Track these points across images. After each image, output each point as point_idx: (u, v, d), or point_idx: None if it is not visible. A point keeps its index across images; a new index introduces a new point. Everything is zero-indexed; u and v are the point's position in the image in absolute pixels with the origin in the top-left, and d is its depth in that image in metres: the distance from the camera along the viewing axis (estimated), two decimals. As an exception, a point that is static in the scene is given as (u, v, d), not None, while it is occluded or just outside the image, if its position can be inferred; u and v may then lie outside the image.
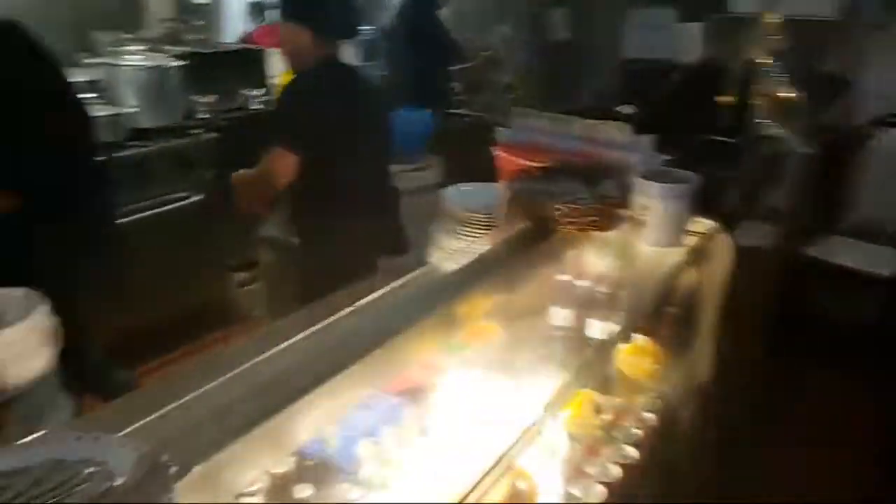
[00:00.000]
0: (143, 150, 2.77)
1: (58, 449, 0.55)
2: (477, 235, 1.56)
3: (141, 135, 2.81)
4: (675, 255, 1.27)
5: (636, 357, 1.29)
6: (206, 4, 3.81)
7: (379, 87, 2.37)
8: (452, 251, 1.59)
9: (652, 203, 1.17)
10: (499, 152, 1.40)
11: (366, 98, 2.17)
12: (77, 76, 2.95)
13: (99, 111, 2.73)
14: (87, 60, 3.24)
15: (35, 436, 0.60)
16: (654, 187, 1.16)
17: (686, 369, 1.41)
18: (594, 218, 1.22)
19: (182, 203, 2.84)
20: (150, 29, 3.60)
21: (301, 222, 2.11)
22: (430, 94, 4.00)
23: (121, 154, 2.70)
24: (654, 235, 1.21)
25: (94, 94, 2.84)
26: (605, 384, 1.32)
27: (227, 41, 3.87)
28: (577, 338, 1.32)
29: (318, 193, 2.00)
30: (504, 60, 4.05)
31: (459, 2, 4.09)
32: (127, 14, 3.59)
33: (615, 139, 1.29)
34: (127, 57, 3.01)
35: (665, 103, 2.02)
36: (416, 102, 3.67)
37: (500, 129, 1.41)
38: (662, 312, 1.33)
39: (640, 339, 1.30)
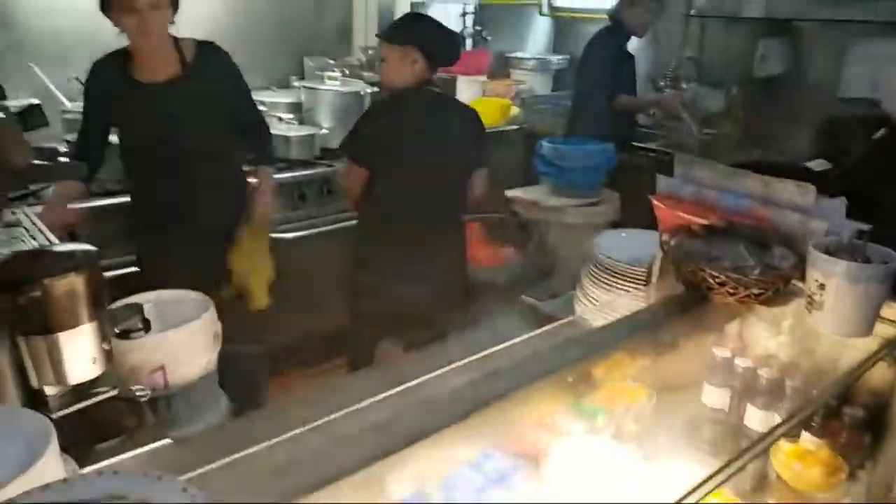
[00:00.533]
0: (329, 168, 2.95)
1: (115, 485, 0.55)
2: (627, 289, 1.45)
3: (329, 154, 2.99)
4: (863, 346, 1.07)
5: (801, 462, 1.10)
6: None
7: (471, 119, 2.38)
8: (599, 304, 1.49)
9: (837, 282, 0.98)
10: (657, 202, 1.27)
11: (443, 126, 2.24)
12: (284, 98, 3.25)
13: (296, 131, 2.96)
14: (295, 84, 3.55)
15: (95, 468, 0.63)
16: (841, 265, 0.98)
17: (866, 487, 1.18)
18: (759, 291, 1.06)
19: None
20: (353, 56, 3.85)
21: (360, 240, 2.36)
22: (616, 126, 3.86)
23: (311, 171, 2.90)
24: (836, 320, 1.02)
25: (293, 115, 3.09)
26: (756, 487, 1.14)
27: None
28: (730, 424, 1.17)
29: (379, 213, 2.24)
30: (701, 94, 3.78)
31: (655, 31, 3.90)
32: (340, 43, 3.88)
33: (796, 201, 1.11)
34: (328, 81, 3.23)
35: (868, 161, 1.73)
36: (601, 134, 3.56)
37: (662, 177, 1.28)
38: (841, 413, 1.12)
39: (808, 440, 1.11)
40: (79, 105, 2.70)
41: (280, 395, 2.42)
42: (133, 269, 2.33)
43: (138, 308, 1.08)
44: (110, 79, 2.05)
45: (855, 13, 3.05)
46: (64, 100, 2.69)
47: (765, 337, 1.22)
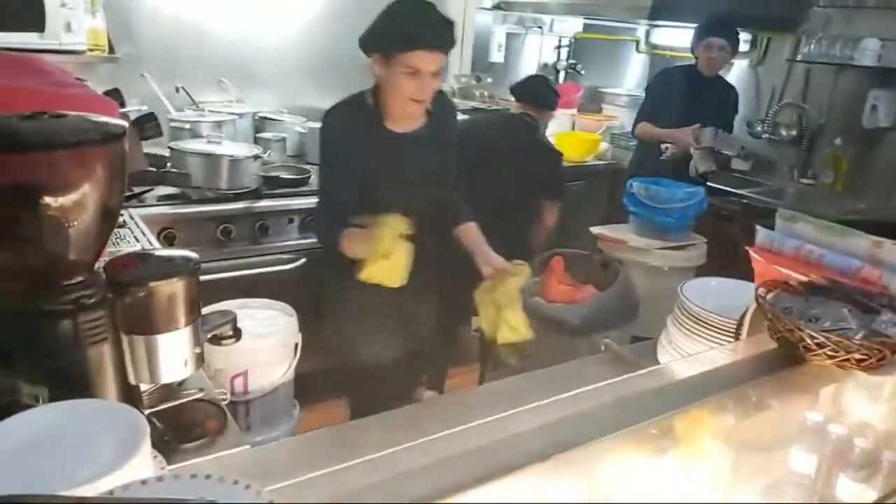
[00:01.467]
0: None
1: (181, 487, 0.57)
2: (715, 341, 1.39)
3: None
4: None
5: (894, 540, 1.02)
6: (500, 63, 4.04)
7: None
8: (686, 354, 1.44)
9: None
10: (756, 255, 1.23)
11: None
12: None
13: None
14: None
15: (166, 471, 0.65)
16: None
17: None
18: (862, 357, 1.00)
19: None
20: (447, 83, 3.92)
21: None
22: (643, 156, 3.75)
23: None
24: (945, 394, 0.95)
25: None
26: (842, 562, 1.07)
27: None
28: (820, 494, 1.10)
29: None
30: (802, 139, 3.64)
31: (757, 74, 3.80)
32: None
33: (907, 265, 1.05)
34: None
35: None
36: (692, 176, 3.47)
37: (762, 228, 1.24)
38: (945, 493, 1.04)
39: (905, 517, 1.03)
40: (184, 115, 2.87)
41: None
42: (223, 274, 2.43)
43: (231, 316, 1.12)
44: (358, 127, 1.92)
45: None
46: (171, 108, 2.86)
47: (863, 404, 1.14)
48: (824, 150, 3.58)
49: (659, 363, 1.54)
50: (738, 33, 3.28)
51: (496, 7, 3.99)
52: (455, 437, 0.90)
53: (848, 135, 3.47)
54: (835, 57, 3.31)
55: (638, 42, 4.35)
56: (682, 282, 1.62)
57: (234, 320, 1.12)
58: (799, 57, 3.53)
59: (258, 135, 3.06)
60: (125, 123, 0.88)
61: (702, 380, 1.07)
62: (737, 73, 3.83)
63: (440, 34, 1.78)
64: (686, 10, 3.20)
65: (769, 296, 1.15)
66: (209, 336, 1.08)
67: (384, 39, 1.80)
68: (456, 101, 3.67)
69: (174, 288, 0.95)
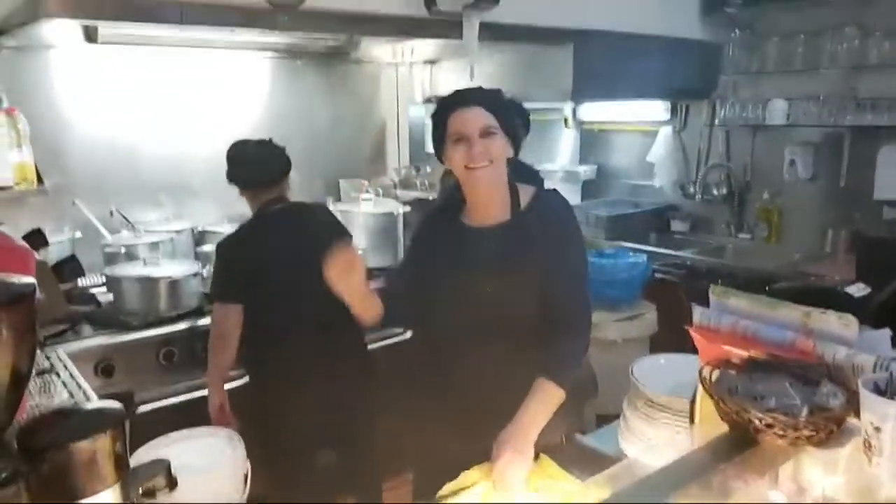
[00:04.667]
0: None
1: None
2: (670, 424, 1.38)
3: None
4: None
5: None
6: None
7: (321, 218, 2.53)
8: (647, 440, 1.42)
9: (894, 426, 0.92)
10: (695, 334, 1.23)
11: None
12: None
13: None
14: (332, 206, 3.66)
15: None
16: (893, 406, 0.92)
17: None
18: (810, 433, 1.00)
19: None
20: (387, 176, 3.98)
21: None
22: (650, 233, 3.86)
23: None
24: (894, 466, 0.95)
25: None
26: None
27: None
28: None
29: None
30: (733, 196, 3.78)
31: (681, 140, 3.96)
32: (374, 164, 4.02)
33: (839, 333, 1.07)
34: (363, 203, 3.32)
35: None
36: (635, 243, 3.55)
37: (697, 307, 1.25)
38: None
39: None
40: (120, 238, 2.82)
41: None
42: (168, 401, 2.34)
43: (164, 465, 1.05)
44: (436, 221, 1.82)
45: (881, 119, 3.06)
46: (105, 233, 2.80)
47: (822, 478, 1.13)
48: (755, 205, 3.71)
49: (622, 451, 1.52)
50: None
51: (427, 101, 4.11)
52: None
53: (774, 188, 3.62)
54: (748, 119, 3.50)
55: (566, 119, 4.51)
56: (638, 356, 1.62)
57: (168, 468, 1.05)
58: (716, 122, 3.72)
59: (199, 248, 3.02)
60: (33, 281, 0.84)
61: (663, 476, 1.05)
62: (663, 139, 3.98)
63: (472, 93, 1.66)
64: (605, 88, 3.34)
65: (713, 375, 1.14)
66: (141, 492, 1.01)
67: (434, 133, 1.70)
68: (399, 192, 3.72)
69: (97, 446, 0.89)
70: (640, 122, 4.16)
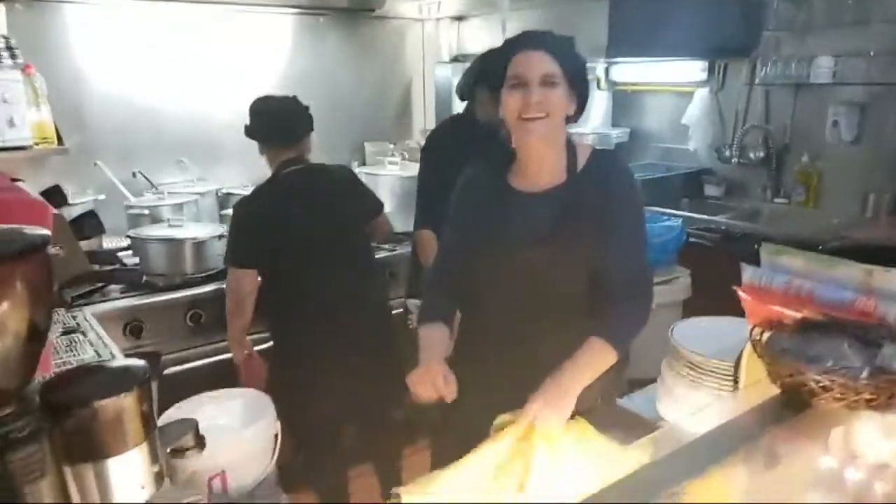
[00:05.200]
0: (393, 253, 2.93)
1: None
2: (714, 387, 1.32)
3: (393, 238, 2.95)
4: None
5: None
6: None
7: (343, 178, 2.45)
8: (686, 403, 1.37)
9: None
10: (744, 294, 1.17)
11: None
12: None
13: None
14: (357, 169, 3.61)
15: None
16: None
17: None
18: (869, 396, 0.93)
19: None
20: (413, 139, 3.90)
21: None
22: (683, 198, 3.75)
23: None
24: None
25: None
26: None
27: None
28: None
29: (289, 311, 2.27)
30: (771, 160, 3.64)
31: (717, 101, 3.82)
32: (399, 126, 3.95)
33: (905, 292, 0.99)
34: (389, 166, 3.26)
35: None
36: (670, 207, 3.45)
37: (747, 266, 1.18)
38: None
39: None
40: (143, 200, 2.80)
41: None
42: (197, 363, 2.33)
43: (192, 424, 1.02)
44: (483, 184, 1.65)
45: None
46: (129, 195, 2.79)
47: (877, 444, 1.07)
48: (793, 169, 3.58)
49: (659, 415, 1.47)
50: None
51: (454, 60, 4.01)
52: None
53: (814, 151, 3.48)
54: (791, 77, 3.34)
55: (599, 80, 4.39)
56: (672, 321, 1.56)
57: (196, 428, 1.03)
58: (756, 81, 3.56)
59: (223, 212, 2.99)
60: (47, 232, 0.81)
61: (709, 441, 0.99)
62: (699, 100, 3.85)
63: (540, 36, 1.49)
64: (641, 45, 3.22)
65: (764, 338, 1.08)
66: (169, 451, 0.98)
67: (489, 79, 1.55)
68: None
69: (123, 404, 0.86)
70: (675, 83, 4.01)
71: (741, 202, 3.75)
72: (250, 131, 2.27)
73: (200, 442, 1.03)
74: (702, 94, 3.84)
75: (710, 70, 3.82)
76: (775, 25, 3.45)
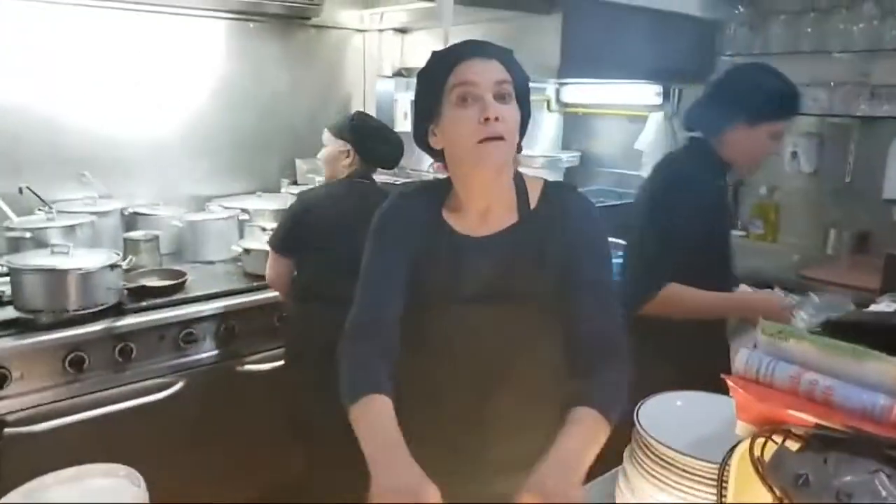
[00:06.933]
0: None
1: None
2: (688, 491, 1.06)
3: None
4: None
5: None
6: (406, 132, 3.76)
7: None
8: (653, 507, 1.10)
9: None
10: (735, 386, 0.91)
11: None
12: (270, 204, 2.98)
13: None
14: (287, 188, 3.29)
15: None
16: None
17: None
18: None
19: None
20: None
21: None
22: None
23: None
24: None
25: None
26: None
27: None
28: None
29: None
30: (729, 191, 3.47)
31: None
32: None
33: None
34: (317, 182, 2.96)
35: None
36: (620, 238, 3.23)
37: (743, 349, 0.92)
38: None
39: None
40: (27, 221, 2.43)
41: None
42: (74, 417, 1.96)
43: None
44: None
45: (894, 110, 2.77)
46: (11, 214, 2.40)
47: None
48: (751, 201, 3.43)
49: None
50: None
51: (397, 74, 3.73)
52: None
53: (772, 183, 3.34)
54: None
55: (549, 101, 4.18)
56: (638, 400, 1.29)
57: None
58: (715, 108, 3.40)
59: (127, 234, 2.63)
60: None
61: None
62: (653, 125, 3.67)
63: (488, 45, 1.26)
64: (595, 66, 3.01)
65: (766, 451, 0.82)
66: None
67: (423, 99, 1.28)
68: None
69: None
70: (629, 106, 3.84)
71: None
72: (371, 153, 2.31)
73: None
74: (656, 119, 3.67)
75: (665, 95, 3.66)
76: (733, 51, 3.30)
